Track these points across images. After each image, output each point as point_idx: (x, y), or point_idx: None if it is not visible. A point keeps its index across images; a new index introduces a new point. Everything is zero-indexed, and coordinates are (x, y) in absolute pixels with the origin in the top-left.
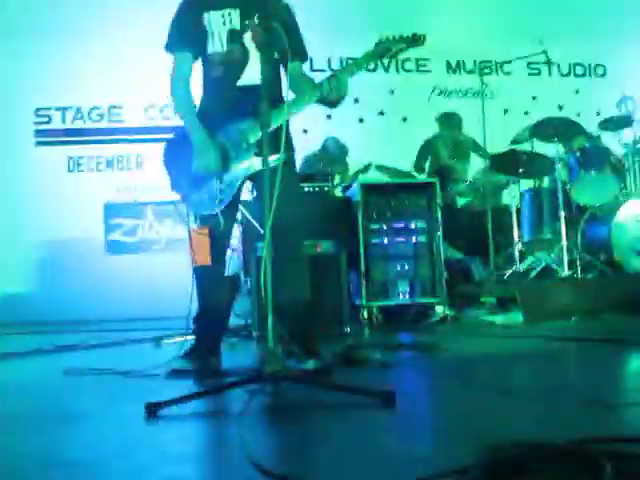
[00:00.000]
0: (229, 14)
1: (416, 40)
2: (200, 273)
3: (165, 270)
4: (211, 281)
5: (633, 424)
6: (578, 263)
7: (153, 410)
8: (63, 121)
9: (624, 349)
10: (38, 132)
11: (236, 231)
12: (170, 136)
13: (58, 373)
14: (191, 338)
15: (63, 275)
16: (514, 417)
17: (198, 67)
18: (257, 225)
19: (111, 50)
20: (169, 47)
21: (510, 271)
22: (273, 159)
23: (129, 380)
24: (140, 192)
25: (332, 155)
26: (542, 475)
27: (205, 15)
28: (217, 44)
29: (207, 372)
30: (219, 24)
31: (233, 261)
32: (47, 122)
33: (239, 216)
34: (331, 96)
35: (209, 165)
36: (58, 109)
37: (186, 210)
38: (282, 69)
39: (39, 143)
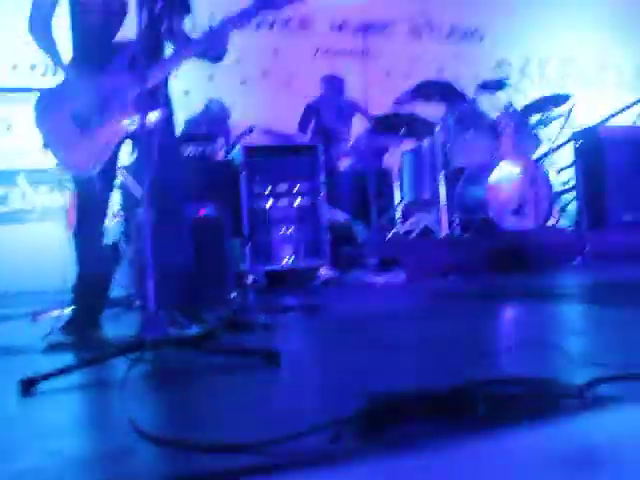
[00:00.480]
0: None
1: None
2: (78, 241)
3: (42, 241)
4: (90, 249)
5: (504, 368)
6: (456, 222)
7: (28, 386)
8: None
9: (497, 303)
10: None
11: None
12: (40, 90)
13: None
14: (69, 310)
15: None
16: (396, 369)
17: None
18: (135, 188)
19: None
20: None
21: (392, 232)
22: (152, 117)
23: (3, 357)
24: (10, 158)
25: (215, 117)
26: (415, 422)
27: None
28: None
29: (87, 344)
30: None
31: (114, 228)
32: None
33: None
34: (213, 49)
35: (88, 100)
36: None
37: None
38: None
39: None
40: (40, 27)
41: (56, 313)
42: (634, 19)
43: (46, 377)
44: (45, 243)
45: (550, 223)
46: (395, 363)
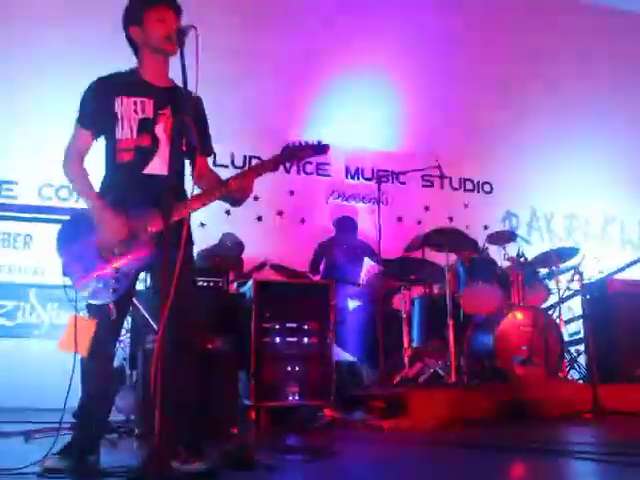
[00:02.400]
0: (142, 102)
1: (320, 148)
2: (87, 366)
3: (43, 358)
4: (98, 375)
5: None
6: (464, 370)
7: None
8: None
9: (503, 455)
10: None
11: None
12: (66, 218)
13: None
14: (67, 433)
15: None
16: None
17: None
18: (148, 316)
19: (8, 123)
20: (75, 123)
21: (399, 376)
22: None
23: None
24: (24, 273)
25: (228, 250)
26: None
27: (117, 99)
28: (127, 130)
29: (85, 472)
30: (130, 110)
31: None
32: None
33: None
34: (237, 194)
35: (113, 233)
36: None
37: (75, 296)
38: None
39: None
40: (74, 165)
41: (51, 434)
42: (636, 174)
43: None
44: (47, 360)
45: (560, 375)
46: None
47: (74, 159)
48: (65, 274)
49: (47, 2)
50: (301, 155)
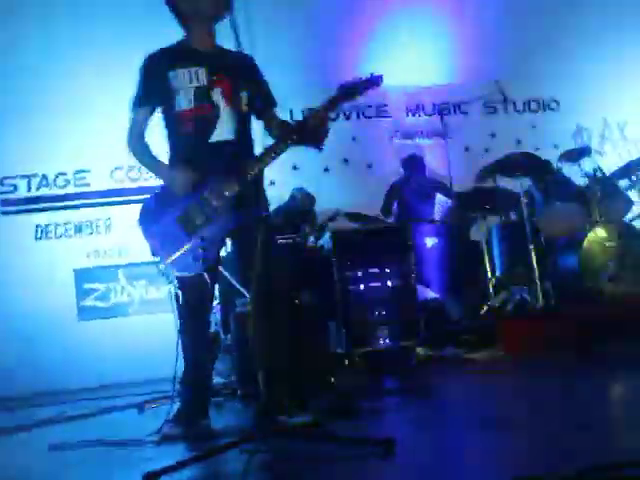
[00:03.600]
0: (196, 72)
1: (375, 80)
2: (187, 334)
3: (140, 333)
4: (198, 343)
5: (624, 449)
6: (551, 294)
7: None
8: (29, 189)
9: (604, 376)
10: (4, 202)
11: None
12: (144, 197)
13: (42, 450)
14: (177, 401)
15: (36, 346)
16: (511, 451)
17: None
18: (234, 281)
19: (73, 114)
20: (133, 106)
21: (485, 307)
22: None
23: (119, 450)
24: (110, 255)
25: (301, 206)
26: None
27: (171, 73)
28: (184, 101)
29: (199, 435)
30: (185, 81)
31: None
32: (12, 191)
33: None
34: (316, 131)
35: (186, 184)
36: (23, 177)
37: (168, 271)
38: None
39: (5, 213)
40: (137, 144)
41: (163, 403)
42: None
43: (167, 471)
44: (145, 334)
45: None
46: (511, 446)
47: (136, 138)
48: (153, 253)
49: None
50: (357, 90)
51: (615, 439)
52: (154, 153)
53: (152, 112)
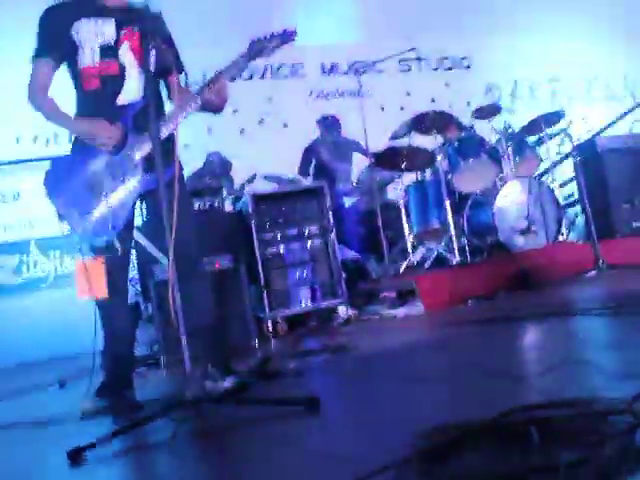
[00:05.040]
0: (102, 26)
1: (288, 35)
2: (104, 306)
3: (56, 308)
4: (116, 313)
5: (543, 391)
6: (467, 249)
7: (77, 456)
8: None
9: (520, 325)
10: None
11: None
12: (49, 166)
13: None
14: (99, 374)
15: None
16: (434, 402)
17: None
18: (151, 247)
19: None
20: (33, 58)
21: (404, 264)
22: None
23: (43, 429)
24: (20, 228)
25: (217, 169)
26: (478, 451)
27: (75, 24)
28: (89, 57)
29: (124, 407)
30: (90, 35)
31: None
32: None
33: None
34: (214, 101)
35: (109, 133)
36: None
37: (78, 240)
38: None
39: None
40: (43, 99)
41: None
42: (618, 28)
43: (93, 445)
44: (61, 309)
45: (560, 238)
46: (432, 396)
47: (39, 92)
48: (62, 219)
49: None
50: (270, 45)
51: (530, 383)
52: (59, 107)
53: (56, 67)
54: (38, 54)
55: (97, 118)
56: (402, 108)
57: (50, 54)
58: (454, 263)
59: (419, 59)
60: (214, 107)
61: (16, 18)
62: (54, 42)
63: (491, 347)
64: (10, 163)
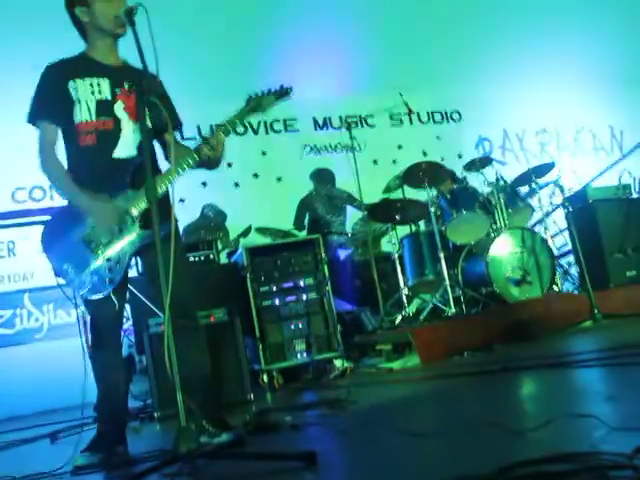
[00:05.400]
0: (98, 84)
1: (284, 93)
2: (98, 360)
3: (50, 359)
4: (110, 366)
5: (543, 445)
6: (462, 300)
7: None
8: None
9: (518, 376)
10: None
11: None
12: (46, 219)
13: None
14: (91, 428)
15: None
16: (434, 456)
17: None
18: (147, 301)
19: None
20: (31, 118)
21: (400, 316)
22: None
23: None
24: (14, 280)
25: (212, 222)
26: None
27: (71, 83)
28: (85, 113)
29: (117, 462)
30: (87, 93)
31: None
32: None
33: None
34: (210, 158)
35: (107, 217)
36: None
37: (73, 294)
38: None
39: None
40: (51, 165)
41: (76, 432)
42: (603, 80)
43: None
44: (54, 361)
45: (555, 288)
46: (431, 452)
47: (50, 157)
48: (58, 275)
49: None
50: (266, 102)
51: (530, 436)
52: (69, 175)
53: (58, 126)
54: (41, 117)
55: (99, 197)
56: (394, 161)
57: (53, 117)
58: (450, 314)
59: (410, 112)
60: (211, 163)
61: (13, 73)
62: (55, 103)
63: (490, 399)
64: (4, 217)
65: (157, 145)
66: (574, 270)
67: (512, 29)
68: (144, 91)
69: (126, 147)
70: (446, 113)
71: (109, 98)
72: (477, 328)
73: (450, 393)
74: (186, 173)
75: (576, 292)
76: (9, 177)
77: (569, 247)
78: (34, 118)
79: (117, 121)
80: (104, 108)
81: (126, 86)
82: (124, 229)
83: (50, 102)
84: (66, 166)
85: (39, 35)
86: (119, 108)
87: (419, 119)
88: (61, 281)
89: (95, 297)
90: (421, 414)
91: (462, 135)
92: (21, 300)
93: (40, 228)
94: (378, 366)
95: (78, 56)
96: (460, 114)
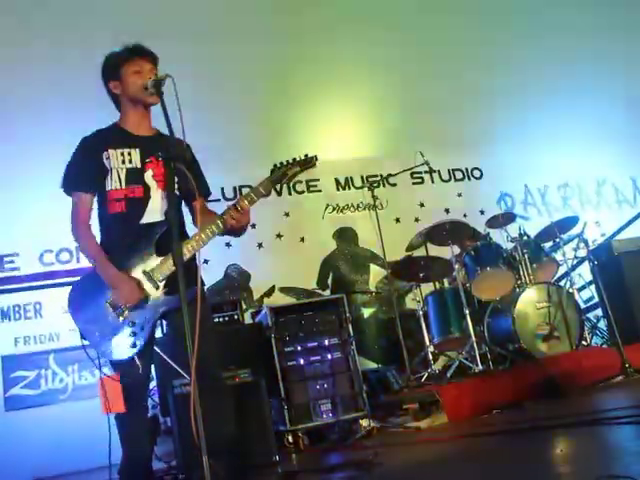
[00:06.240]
0: (129, 153)
1: (308, 162)
2: (123, 422)
3: (74, 420)
4: (135, 429)
5: None
6: (489, 356)
7: None
8: None
9: (547, 435)
10: None
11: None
12: (74, 280)
13: None
14: None
15: None
16: None
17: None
18: (172, 362)
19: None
20: (67, 188)
21: (426, 374)
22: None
23: None
24: (41, 341)
25: (236, 282)
26: None
27: (104, 153)
28: (116, 181)
29: None
30: (118, 162)
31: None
32: None
33: None
34: (236, 225)
35: (129, 296)
36: None
37: (97, 355)
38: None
39: None
40: (83, 234)
41: None
42: (624, 133)
43: None
44: (78, 422)
45: (584, 343)
46: None
47: (81, 226)
48: (83, 337)
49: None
50: (291, 173)
51: None
52: (99, 246)
53: (93, 196)
54: (77, 188)
55: (126, 277)
56: (417, 219)
57: (89, 187)
58: (477, 372)
59: (431, 171)
60: (236, 230)
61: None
62: (90, 174)
63: (521, 460)
64: (32, 279)
65: (186, 210)
66: (602, 324)
67: (529, 89)
68: (172, 158)
69: (154, 213)
70: (467, 169)
71: (139, 166)
72: (505, 385)
73: (480, 453)
74: (212, 240)
75: (605, 346)
76: (37, 240)
77: (596, 300)
78: (70, 188)
79: (147, 188)
80: (134, 176)
81: (156, 155)
82: (150, 293)
83: (86, 173)
84: (98, 229)
85: (74, 106)
86: (149, 176)
87: (440, 177)
88: (86, 342)
89: (119, 360)
90: (451, 475)
91: (483, 191)
92: (46, 361)
93: (67, 289)
94: (405, 425)
95: (111, 127)
96: (481, 171)
